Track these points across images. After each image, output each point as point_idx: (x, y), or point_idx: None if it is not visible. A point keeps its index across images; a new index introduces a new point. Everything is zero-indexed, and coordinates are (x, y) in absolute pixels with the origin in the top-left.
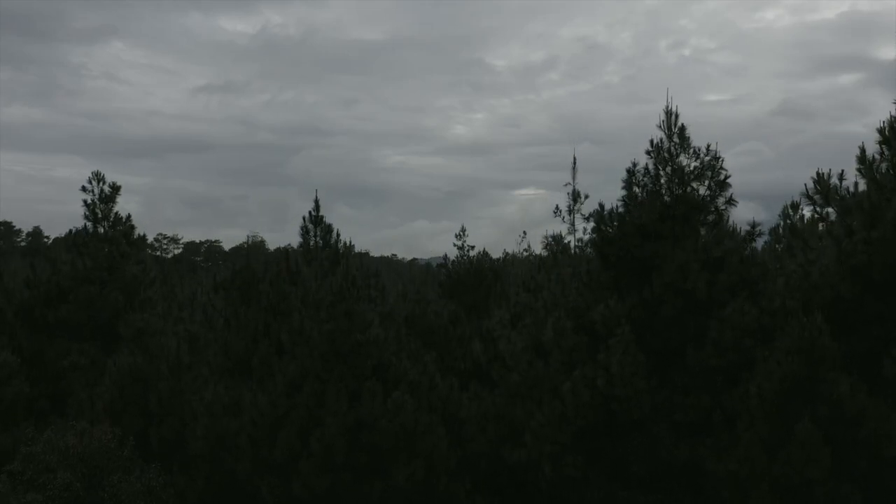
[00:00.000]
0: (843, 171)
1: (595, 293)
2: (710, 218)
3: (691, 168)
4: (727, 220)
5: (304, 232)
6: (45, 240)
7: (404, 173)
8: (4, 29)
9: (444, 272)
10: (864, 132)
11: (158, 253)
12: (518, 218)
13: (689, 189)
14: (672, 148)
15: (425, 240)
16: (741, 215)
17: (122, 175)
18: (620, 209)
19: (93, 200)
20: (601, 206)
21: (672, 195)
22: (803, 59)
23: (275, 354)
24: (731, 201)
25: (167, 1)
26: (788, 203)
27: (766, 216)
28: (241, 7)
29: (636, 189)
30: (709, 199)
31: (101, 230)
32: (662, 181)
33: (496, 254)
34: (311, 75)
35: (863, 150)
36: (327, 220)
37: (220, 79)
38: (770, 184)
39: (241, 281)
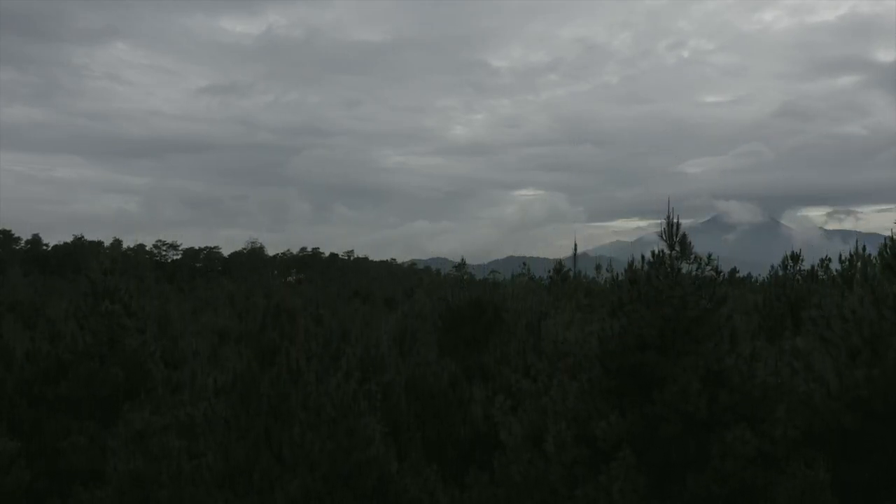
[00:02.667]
0: (844, 289)
1: (597, 402)
2: (712, 332)
3: (692, 279)
4: (728, 334)
5: (307, 332)
6: (45, 247)
7: (404, 173)
8: (7, 29)
9: (444, 304)
10: (865, 133)
11: (158, 259)
12: (518, 218)
13: (690, 302)
14: (674, 259)
15: (425, 240)
16: (741, 216)
17: (122, 175)
18: (622, 320)
19: (95, 275)
20: (603, 318)
21: (673, 308)
22: (803, 60)
23: (276, 463)
24: (731, 317)
25: (170, 2)
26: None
27: (764, 217)
28: (243, 8)
29: (637, 297)
30: (711, 310)
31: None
32: (663, 292)
33: (497, 255)
34: (313, 76)
35: (865, 266)
36: (327, 220)
37: (222, 80)
38: (770, 184)
39: (243, 386)
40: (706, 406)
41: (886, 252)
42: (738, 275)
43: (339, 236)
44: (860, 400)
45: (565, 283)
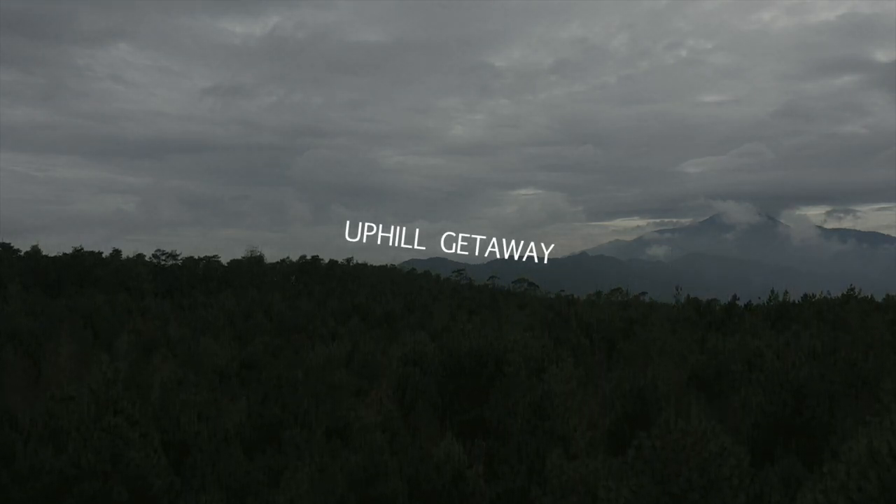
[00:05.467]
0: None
1: None
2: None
3: (699, 450)
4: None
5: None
6: (45, 256)
7: (405, 173)
8: (11, 31)
9: (446, 352)
10: (865, 133)
11: (157, 265)
12: (518, 218)
13: (695, 481)
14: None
15: (424, 240)
16: (739, 216)
17: (122, 175)
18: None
19: (97, 385)
20: (608, 472)
21: (681, 488)
22: (803, 60)
23: None
24: (738, 480)
25: (174, 3)
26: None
27: (762, 217)
28: (247, 10)
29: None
30: (719, 481)
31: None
32: (669, 466)
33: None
34: (317, 78)
35: (875, 397)
36: (327, 220)
37: (225, 81)
38: (770, 183)
39: None
40: None
41: None
42: (737, 301)
43: (338, 236)
44: None
45: (567, 323)
